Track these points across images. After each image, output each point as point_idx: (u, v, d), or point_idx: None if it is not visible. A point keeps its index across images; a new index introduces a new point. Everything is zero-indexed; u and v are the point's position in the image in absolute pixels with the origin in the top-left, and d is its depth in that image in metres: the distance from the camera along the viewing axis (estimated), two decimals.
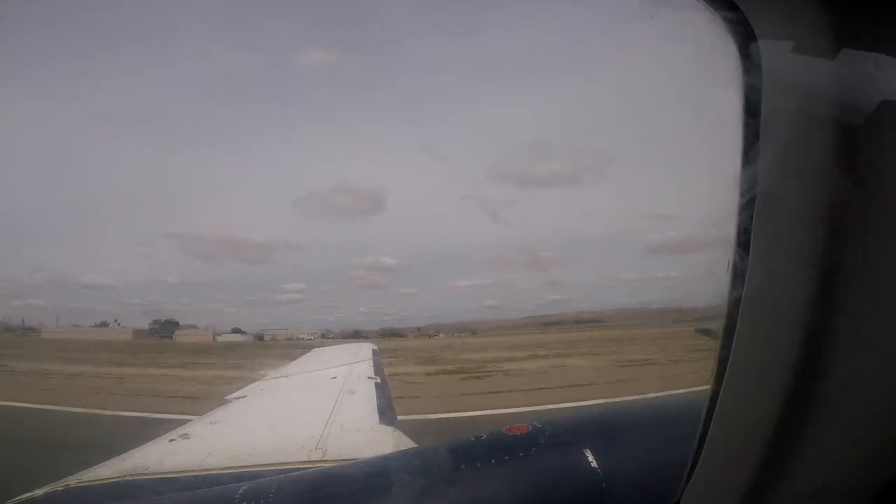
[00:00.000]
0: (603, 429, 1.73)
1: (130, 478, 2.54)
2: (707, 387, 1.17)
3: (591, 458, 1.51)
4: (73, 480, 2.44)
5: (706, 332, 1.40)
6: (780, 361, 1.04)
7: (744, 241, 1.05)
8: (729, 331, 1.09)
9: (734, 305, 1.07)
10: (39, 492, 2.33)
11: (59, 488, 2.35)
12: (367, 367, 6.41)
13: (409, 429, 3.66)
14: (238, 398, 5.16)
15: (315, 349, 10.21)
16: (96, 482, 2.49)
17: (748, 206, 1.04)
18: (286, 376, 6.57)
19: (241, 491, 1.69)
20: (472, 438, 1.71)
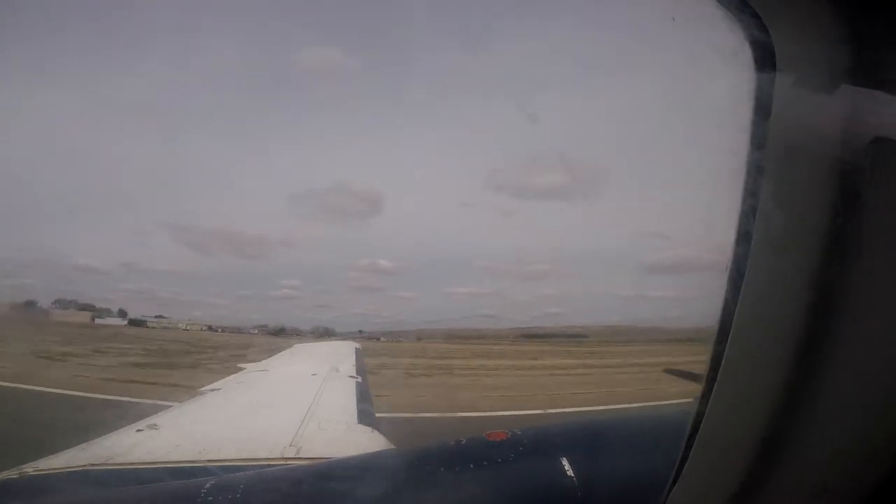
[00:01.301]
0: (582, 438, 1.73)
1: (92, 467, 2.43)
2: (689, 400, 1.18)
3: (567, 467, 1.50)
4: (29, 468, 2.32)
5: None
6: (768, 380, 1.05)
7: (741, 258, 1.06)
8: (719, 347, 1.09)
9: (726, 320, 1.08)
10: None
11: (14, 475, 2.24)
12: (349, 366, 6.34)
13: (388, 429, 3.59)
14: (212, 390, 5.03)
15: (297, 345, 10.09)
16: (55, 471, 2.37)
17: (748, 222, 1.05)
18: (265, 371, 6.46)
19: (208, 485, 1.62)
20: (452, 442, 1.70)
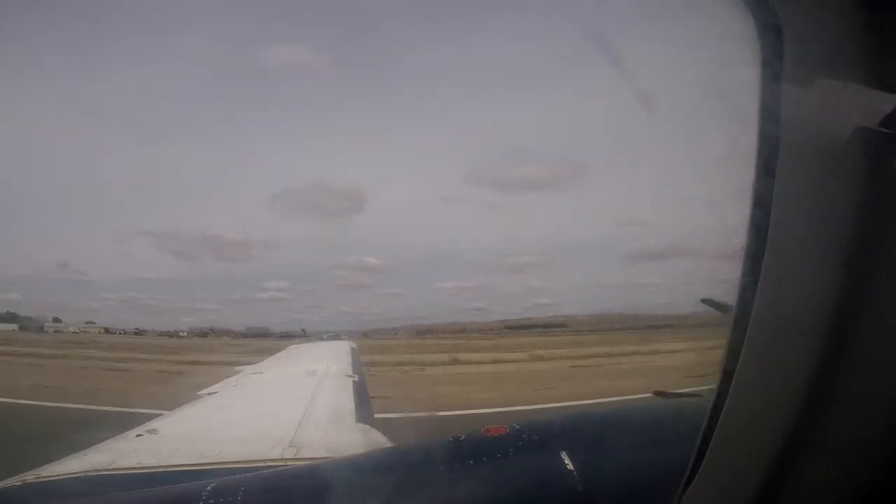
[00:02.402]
0: (583, 431, 1.70)
1: (93, 473, 2.44)
2: (699, 388, 1.14)
3: (567, 461, 1.49)
4: (30, 476, 2.33)
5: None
6: (794, 366, 0.98)
7: (757, 243, 1.00)
8: (737, 337, 1.02)
9: (745, 306, 1.01)
10: None
11: (16, 483, 2.24)
12: (346, 365, 6.35)
13: (386, 427, 3.62)
14: (209, 394, 5.04)
15: (292, 346, 10.08)
16: (56, 477, 2.38)
17: (763, 207, 0.99)
18: (261, 373, 6.46)
19: (209, 488, 1.63)
20: (451, 439, 1.69)
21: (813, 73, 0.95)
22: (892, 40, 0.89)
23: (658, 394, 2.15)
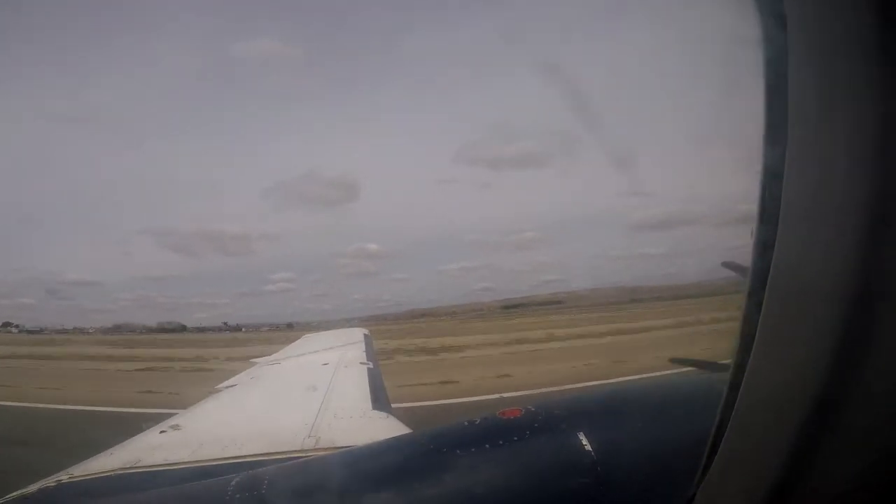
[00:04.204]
0: (600, 411, 1.71)
1: (122, 471, 2.52)
2: (723, 363, 1.07)
3: (584, 441, 1.50)
4: (64, 476, 2.41)
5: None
6: (815, 338, 0.92)
7: (771, 209, 0.95)
8: (754, 305, 0.97)
9: (760, 277, 0.97)
10: (33, 488, 2.31)
11: (51, 484, 2.32)
12: (359, 353, 6.41)
13: (403, 414, 3.67)
14: (228, 387, 5.13)
15: (306, 335, 10.18)
16: (88, 477, 2.46)
17: (774, 179, 0.94)
18: (277, 363, 6.55)
19: (234, 482, 1.68)
20: (466, 423, 1.71)
21: (822, 25, 0.90)
22: None
23: (675, 361, 2.12)
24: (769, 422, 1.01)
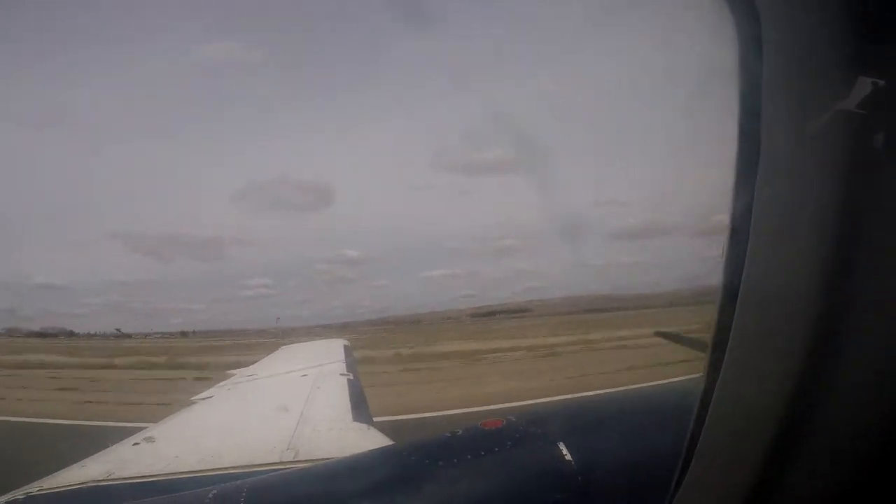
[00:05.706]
0: (580, 421, 1.73)
1: (94, 483, 2.45)
2: (699, 375, 1.11)
3: (564, 452, 1.52)
4: (34, 488, 2.34)
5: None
6: (784, 350, 0.96)
7: (741, 226, 0.99)
8: (725, 317, 1.00)
9: (731, 290, 1.00)
10: (1, 500, 2.23)
11: (20, 497, 2.25)
12: (339, 364, 6.35)
13: (384, 426, 3.65)
14: (204, 399, 5.03)
15: (284, 346, 10.04)
16: (58, 489, 2.39)
17: (746, 193, 0.98)
18: (254, 375, 6.44)
19: (210, 494, 1.65)
20: (448, 434, 1.72)
21: (795, 44, 0.94)
22: (874, 23, 0.89)
23: (660, 335, 2.13)
24: (741, 432, 1.04)
